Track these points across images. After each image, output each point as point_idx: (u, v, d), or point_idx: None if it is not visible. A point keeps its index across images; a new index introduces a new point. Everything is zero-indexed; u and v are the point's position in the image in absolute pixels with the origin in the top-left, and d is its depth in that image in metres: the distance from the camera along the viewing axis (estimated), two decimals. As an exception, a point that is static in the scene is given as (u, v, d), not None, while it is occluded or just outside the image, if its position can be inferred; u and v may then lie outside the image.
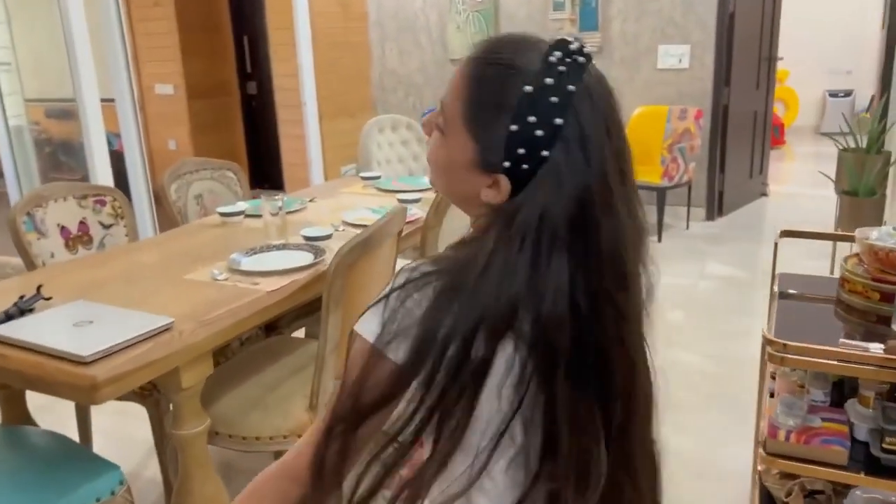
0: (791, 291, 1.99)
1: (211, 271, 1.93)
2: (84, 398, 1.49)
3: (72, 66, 3.40)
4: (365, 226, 2.32)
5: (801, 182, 6.65)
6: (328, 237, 2.19)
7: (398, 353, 0.75)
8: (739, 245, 4.73)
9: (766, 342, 1.55)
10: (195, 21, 6.19)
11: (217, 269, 1.96)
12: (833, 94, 9.10)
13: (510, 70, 0.80)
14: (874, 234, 1.81)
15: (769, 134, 5.99)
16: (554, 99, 0.76)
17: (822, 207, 5.56)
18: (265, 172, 6.88)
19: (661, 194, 4.78)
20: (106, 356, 1.43)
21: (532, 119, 0.76)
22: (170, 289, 1.86)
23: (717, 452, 2.43)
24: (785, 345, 1.52)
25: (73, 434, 2.21)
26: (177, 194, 2.66)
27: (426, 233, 2.17)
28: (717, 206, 5.35)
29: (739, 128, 5.42)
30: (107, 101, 3.64)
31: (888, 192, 3.45)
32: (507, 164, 0.79)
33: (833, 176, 3.92)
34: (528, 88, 0.77)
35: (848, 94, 9.07)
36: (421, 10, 5.85)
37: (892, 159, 3.54)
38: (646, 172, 4.85)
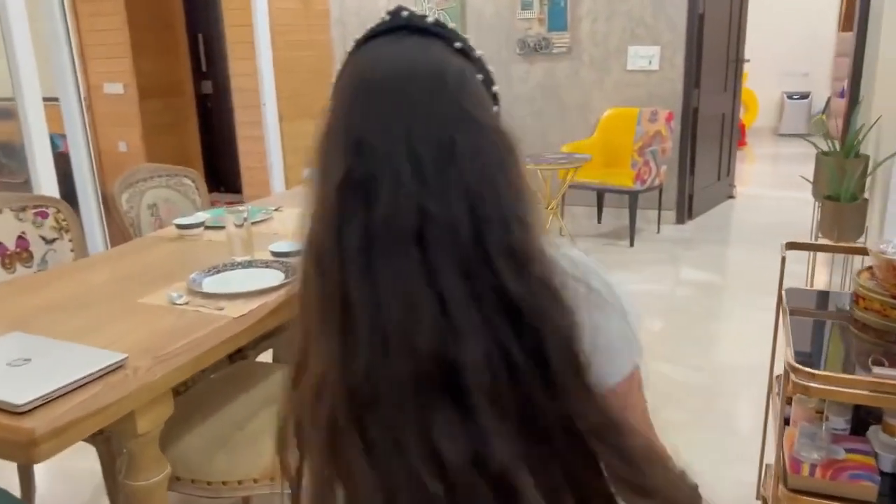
0: (799, 307, 1.87)
1: (169, 294, 1.72)
2: (20, 456, 1.28)
3: (10, 61, 3.12)
4: None
5: (765, 183, 6.67)
6: (299, 252, 1.99)
7: None
8: (712, 249, 4.67)
9: (791, 370, 1.42)
10: (146, 17, 5.88)
11: (176, 291, 1.75)
12: (790, 96, 9.20)
13: None
14: (890, 247, 1.71)
15: (736, 136, 5.97)
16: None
17: (789, 209, 5.56)
18: (222, 175, 6.61)
19: (633, 198, 4.68)
20: (46, 404, 1.22)
21: None
22: (122, 316, 1.64)
23: (717, 475, 2.31)
24: (812, 374, 1.39)
25: (14, 485, 1.97)
26: (129, 204, 2.43)
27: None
28: (687, 210, 5.28)
29: (708, 130, 5.37)
30: (51, 101, 3.36)
31: (868, 195, 3.39)
32: None
33: (806, 180, 3.87)
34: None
35: (805, 96, 9.18)
36: (385, 7, 5.63)
37: (873, 163, 3.49)
38: (617, 176, 4.76)
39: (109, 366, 1.35)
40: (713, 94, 5.34)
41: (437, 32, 0.75)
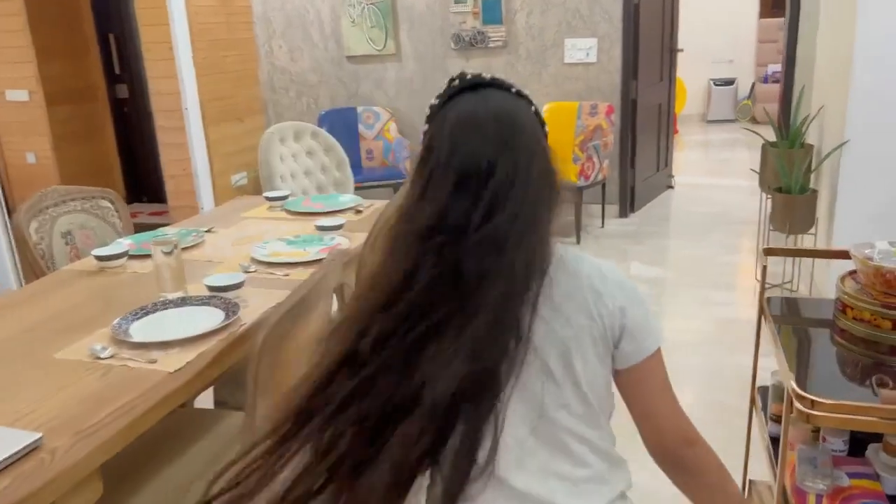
0: (780, 316, 1.77)
1: (90, 346, 1.49)
2: None
3: None
4: (282, 264, 1.93)
5: (699, 171, 6.72)
6: (238, 286, 1.78)
7: None
8: (658, 242, 4.63)
9: (795, 397, 1.31)
10: (51, 17, 5.43)
11: (98, 340, 1.52)
12: (717, 83, 9.36)
13: None
14: (876, 253, 1.63)
15: (672, 126, 5.97)
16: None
17: (726, 198, 5.60)
18: (144, 185, 6.22)
19: (577, 194, 4.59)
20: (-61, 512, 0.99)
21: None
22: (35, 378, 1.40)
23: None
24: (819, 402, 1.28)
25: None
26: (38, 234, 2.15)
27: (360, 268, 1.80)
28: (629, 202, 5.24)
29: (647, 121, 5.34)
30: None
31: (815, 186, 3.38)
32: None
33: (754, 171, 3.86)
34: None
35: (730, 82, 9.35)
36: (310, 2, 5.39)
37: (816, 153, 3.48)
38: (560, 172, 4.66)
39: (20, 450, 1.12)
40: (650, 84, 5.31)
41: (496, 83, 1.05)
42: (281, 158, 3.11)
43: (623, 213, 5.21)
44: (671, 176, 6.04)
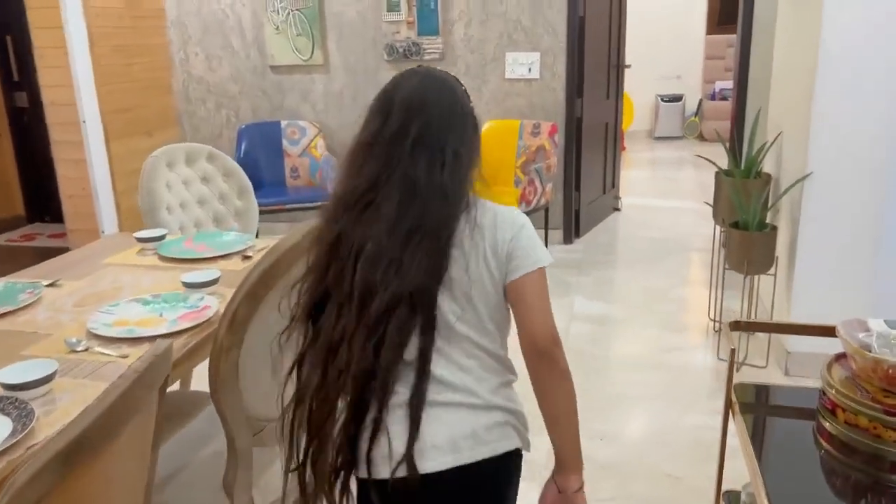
0: (751, 407, 1.41)
1: None
2: None
3: None
4: (124, 339, 1.48)
5: (647, 192, 6.45)
6: (47, 379, 1.32)
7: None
8: (604, 273, 4.30)
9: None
10: (-67, 15, 4.83)
11: None
12: (664, 99, 9.19)
13: None
14: (874, 339, 1.28)
15: (619, 146, 5.68)
16: None
17: (674, 222, 5.33)
18: (44, 204, 5.63)
19: (519, 220, 4.22)
20: None
21: None
22: None
23: None
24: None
25: None
26: None
27: (218, 359, 1.37)
28: (574, 228, 4.91)
29: (592, 141, 5.02)
30: None
31: (771, 218, 3.08)
32: None
33: (707, 204, 3.55)
34: None
35: (678, 98, 9.19)
36: (230, 7, 4.92)
37: (774, 182, 3.19)
38: (500, 196, 4.29)
39: None
40: (596, 102, 5.00)
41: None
42: (168, 186, 2.64)
43: (567, 240, 4.87)
44: (618, 197, 5.74)
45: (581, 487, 1.27)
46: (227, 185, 2.86)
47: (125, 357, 1.47)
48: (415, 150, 1.15)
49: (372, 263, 1.11)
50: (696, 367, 3.07)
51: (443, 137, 1.17)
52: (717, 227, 3.49)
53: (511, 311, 1.22)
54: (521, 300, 1.19)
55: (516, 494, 1.29)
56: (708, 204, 3.51)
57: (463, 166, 1.18)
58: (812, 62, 2.68)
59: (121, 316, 1.66)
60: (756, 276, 3.01)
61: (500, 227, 1.18)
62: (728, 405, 1.43)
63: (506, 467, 1.23)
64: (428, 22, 4.64)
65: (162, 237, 2.23)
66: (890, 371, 1.20)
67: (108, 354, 1.48)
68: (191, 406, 1.83)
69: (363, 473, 1.14)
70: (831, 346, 2.79)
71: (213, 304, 1.70)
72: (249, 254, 2.14)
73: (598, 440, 2.52)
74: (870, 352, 1.23)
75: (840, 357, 1.38)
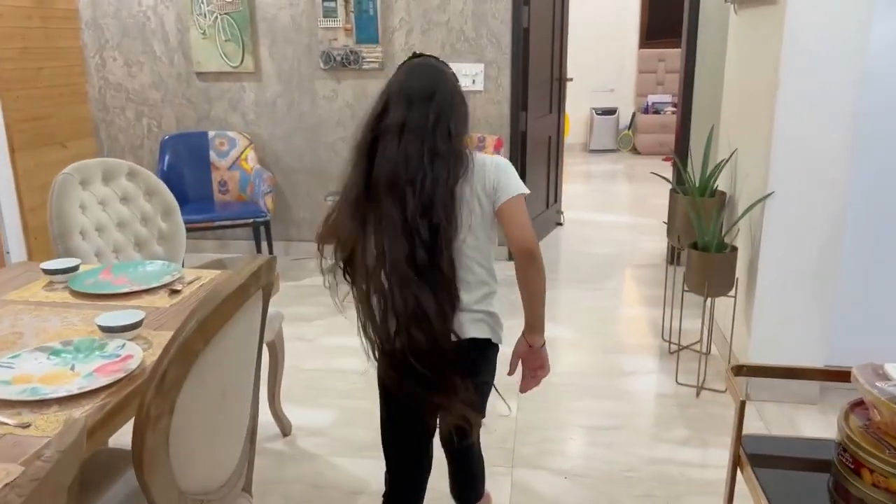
0: (762, 459, 1.26)
1: None
2: None
3: None
4: (25, 402, 1.23)
5: (587, 206, 6.41)
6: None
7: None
8: (550, 292, 4.15)
9: None
10: None
11: None
12: (598, 112, 9.24)
13: None
14: (894, 387, 1.15)
15: (562, 160, 5.60)
16: None
17: (615, 237, 5.28)
18: (-60, 220, 5.09)
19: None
20: None
21: None
22: None
23: None
24: None
25: None
26: None
27: (144, 429, 1.12)
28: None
29: (536, 155, 4.92)
30: None
31: (728, 237, 3.01)
32: None
33: (664, 223, 3.45)
34: None
35: (612, 112, 9.25)
36: (152, 9, 4.58)
37: (729, 200, 3.12)
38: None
39: None
40: (540, 116, 4.89)
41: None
42: (82, 207, 2.34)
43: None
44: (560, 212, 5.66)
45: (544, 345, 1.77)
46: (150, 205, 2.57)
47: (26, 426, 1.20)
48: (435, 129, 1.51)
49: (406, 199, 1.50)
50: (656, 393, 2.95)
51: (450, 116, 1.54)
52: (670, 245, 3.40)
53: (503, 229, 1.60)
54: (509, 218, 1.57)
55: (488, 372, 1.76)
56: (664, 223, 3.42)
57: (462, 135, 1.58)
58: (772, 79, 2.61)
59: (22, 370, 1.39)
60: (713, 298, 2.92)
61: (487, 171, 1.57)
62: (735, 460, 1.28)
63: (478, 349, 1.67)
64: (366, 29, 4.43)
65: (75, 268, 1.94)
66: (927, 428, 1.08)
67: (5, 423, 1.21)
68: (110, 469, 1.55)
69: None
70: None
71: (136, 354, 1.44)
72: (178, 287, 1.87)
73: (562, 478, 2.36)
74: (900, 406, 1.11)
75: (856, 405, 1.25)
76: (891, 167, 2.67)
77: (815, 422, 2.64)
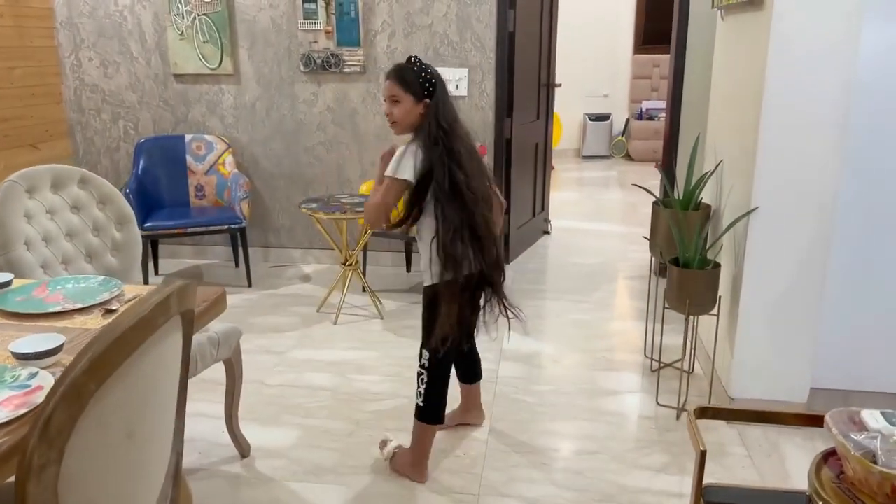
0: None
1: None
2: None
3: None
4: None
5: (576, 214, 6.29)
6: None
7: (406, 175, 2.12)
8: (534, 304, 4.04)
9: None
10: None
11: None
12: (591, 118, 9.12)
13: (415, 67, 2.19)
14: (876, 442, 1.03)
15: (549, 168, 5.48)
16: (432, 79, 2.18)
17: (604, 246, 5.16)
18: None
19: (445, 247, 3.92)
20: None
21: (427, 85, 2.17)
22: None
23: None
24: None
25: None
26: None
27: (25, 481, 1.00)
28: (504, 253, 4.65)
29: (522, 163, 4.80)
30: None
31: (713, 253, 2.89)
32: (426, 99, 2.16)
33: (645, 238, 3.33)
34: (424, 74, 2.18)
35: (605, 117, 9.14)
36: (128, 9, 4.46)
37: (714, 214, 3.00)
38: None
39: None
40: (526, 122, 4.77)
41: None
42: (28, 216, 2.22)
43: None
44: (547, 220, 5.53)
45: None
46: (103, 214, 2.44)
47: None
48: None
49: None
50: (635, 414, 2.83)
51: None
52: (654, 261, 3.28)
53: None
54: None
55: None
56: (645, 238, 3.30)
57: None
58: (758, 88, 2.50)
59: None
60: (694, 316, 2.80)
61: None
62: (695, 513, 1.16)
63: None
64: (348, 32, 4.31)
65: (7, 283, 1.82)
66: (902, 488, 0.96)
67: None
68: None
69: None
70: (778, 396, 2.57)
71: (46, 385, 1.32)
72: (114, 306, 1.75)
73: (531, 508, 2.24)
74: (875, 462, 0.99)
75: (829, 456, 1.13)
76: (880, 181, 2.55)
77: (798, 448, 2.52)
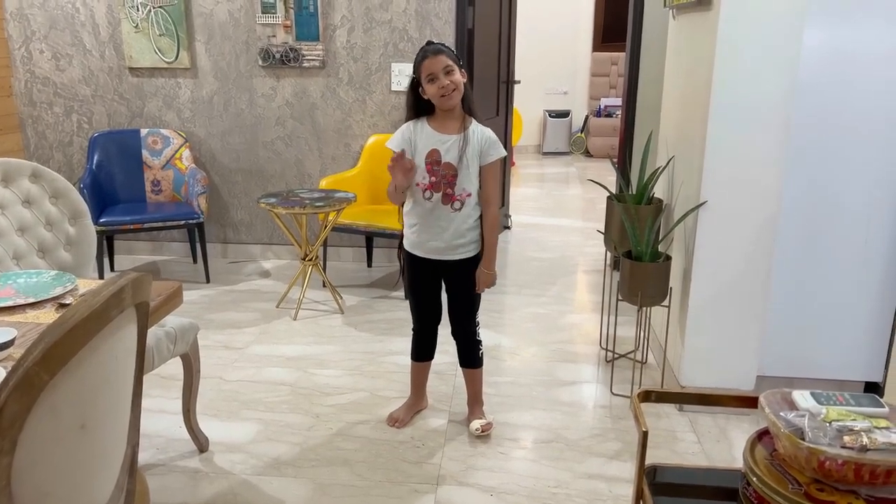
0: (670, 497, 1.20)
1: None
2: None
3: None
4: None
5: (535, 210, 6.36)
6: None
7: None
8: (495, 298, 4.09)
9: None
10: None
11: None
12: (552, 115, 9.23)
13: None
14: (806, 421, 1.09)
15: (510, 164, 5.53)
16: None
17: (562, 241, 5.24)
18: None
19: (405, 242, 3.95)
20: None
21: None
22: None
23: None
24: None
25: None
26: None
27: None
28: (464, 248, 4.69)
29: (482, 158, 4.83)
30: None
31: (662, 246, 2.97)
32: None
33: (599, 232, 3.40)
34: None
35: (565, 114, 9.25)
36: (81, 1, 4.38)
37: (666, 208, 3.08)
38: (386, 215, 4.01)
39: None
40: (486, 119, 4.80)
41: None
42: (-23, 211, 2.18)
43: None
44: (508, 216, 5.60)
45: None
46: (55, 209, 2.41)
47: None
48: None
49: None
50: (589, 404, 2.90)
51: None
52: (609, 256, 3.36)
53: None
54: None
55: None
56: (600, 232, 3.38)
57: None
58: (706, 88, 2.58)
59: None
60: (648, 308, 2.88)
61: None
62: (639, 493, 1.21)
63: None
64: (307, 26, 4.30)
65: (-45, 278, 1.79)
66: (827, 463, 1.02)
67: None
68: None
69: None
70: (727, 384, 2.66)
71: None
72: (68, 300, 1.74)
73: (488, 496, 2.28)
74: (803, 438, 1.05)
75: (763, 435, 1.19)
76: (822, 176, 2.65)
77: (746, 434, 2.61)
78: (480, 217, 2.43)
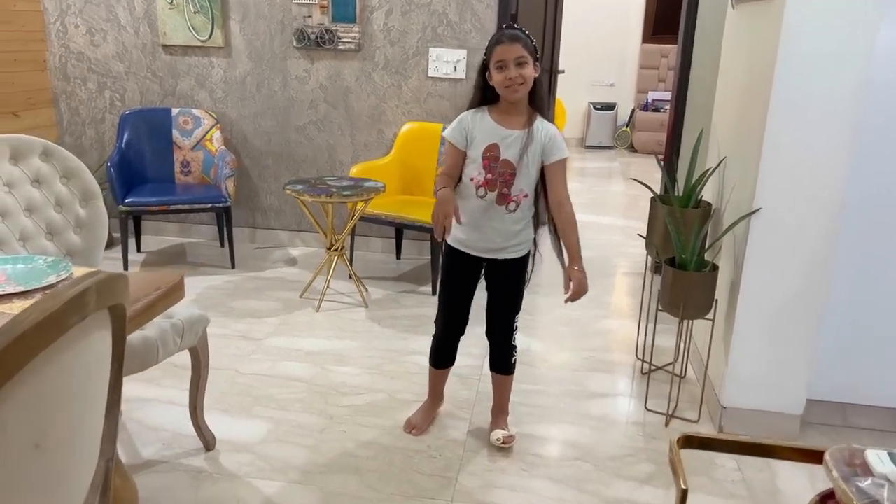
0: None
1: None
2: None
3: None
4: None
5: (576, 205, 6.08)
6: None
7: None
8: (529, 298, 3.88)
9: None
10: None
11: None
12: (597, 107, 8.95)
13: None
14: (883, 491, 0.90)
15: (549, 156, 5.32)
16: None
17: (603, 240, 5.02)
18: None
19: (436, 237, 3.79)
20: None
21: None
22: None
23: None
24: None
25: None
26: None
27: None
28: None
29: (521, 150, 4.64)
30: None
31: (711, 255, 2.75)
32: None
33: (641, 236, 3.19)
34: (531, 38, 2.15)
35: (610, 107, 8.97)
36: (118, -27, 4.30)
37: (715, 213, 2.85)
38: (418, 207, 3.85)
39: None
40: (526, 109, 4.61)
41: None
42: (-16, 189, 2.08)
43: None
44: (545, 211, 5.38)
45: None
46: (66, 189, 2.31)
47: None
48: None
49: None
50: (621, 419, 2.71)
51: None
52: (649, 259, 3.15)
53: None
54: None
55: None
56: (641, 236, 3.16)
57: None
58: (766, 84, 2.35)
59: None
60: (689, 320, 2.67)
61: None
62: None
63: None
64: (344, 7, 4.15)
65: (-52, 261, 1.69)
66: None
67: None
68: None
69: None
70: (773, 406, 2.43)
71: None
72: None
73: (506, 517, 2.12)
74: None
75: (827, 498, 1.00)
76: (892, 186, 2.41)
77: (792, 466, 2.39)
78: (535, 215, 2.30)
